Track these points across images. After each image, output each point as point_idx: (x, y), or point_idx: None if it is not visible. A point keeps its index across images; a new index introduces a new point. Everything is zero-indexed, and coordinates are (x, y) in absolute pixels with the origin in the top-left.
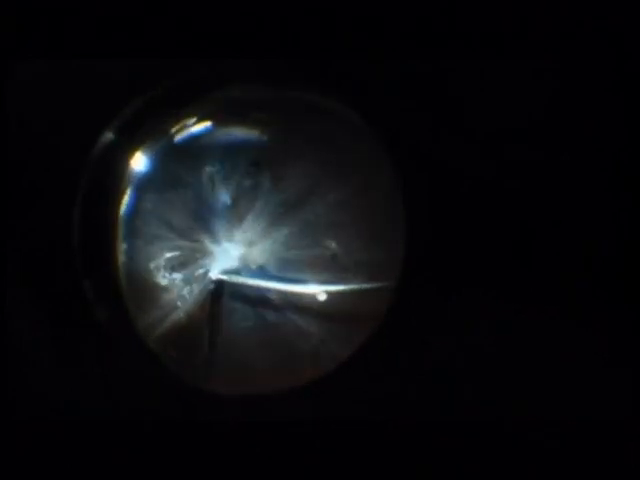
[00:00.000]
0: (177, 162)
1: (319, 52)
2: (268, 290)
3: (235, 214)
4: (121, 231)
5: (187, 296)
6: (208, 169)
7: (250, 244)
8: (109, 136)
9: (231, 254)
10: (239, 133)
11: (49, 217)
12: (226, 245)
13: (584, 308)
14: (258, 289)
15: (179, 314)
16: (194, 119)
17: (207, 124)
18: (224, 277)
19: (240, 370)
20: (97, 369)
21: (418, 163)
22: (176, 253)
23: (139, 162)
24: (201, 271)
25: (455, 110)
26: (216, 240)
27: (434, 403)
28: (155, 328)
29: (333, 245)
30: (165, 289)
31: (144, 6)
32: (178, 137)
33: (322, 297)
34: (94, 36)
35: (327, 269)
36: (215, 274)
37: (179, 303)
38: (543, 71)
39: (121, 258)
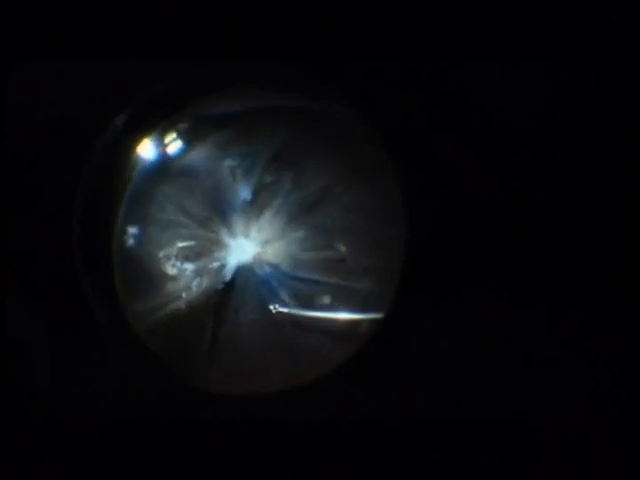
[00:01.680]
0: (196, 153)
1: (319, 52)
2: (279, 287)
3: (254, 210)
4: (128, 215)
5: (194, 288)
6: (228, 162)
7: (266, 242)
8: (119, 125)
9: (246, 250)
10: (259, 128)
11: (49, 217)
12: (242, 240)
13: (585, 309)
14: (269, 285)
15: (180, 305)
16: (213, 113)
17: (226, 118)
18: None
19: (241, 367)
20: (96, 369)
21: (418, 163)
22: (191, 242)
23: (148, 149)
24: (215, 264)
25: (455, 110)
26: (233, 234)
27: (434, 403)
28: (149, 316)
29: (343, 248)
30: (172, 278)
31: (144, 7)
32: (194, 133)
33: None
34: (94, 36)
35: (336, 271)
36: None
37: (184, 294)
38: (543, 71)
39: (129, 242)
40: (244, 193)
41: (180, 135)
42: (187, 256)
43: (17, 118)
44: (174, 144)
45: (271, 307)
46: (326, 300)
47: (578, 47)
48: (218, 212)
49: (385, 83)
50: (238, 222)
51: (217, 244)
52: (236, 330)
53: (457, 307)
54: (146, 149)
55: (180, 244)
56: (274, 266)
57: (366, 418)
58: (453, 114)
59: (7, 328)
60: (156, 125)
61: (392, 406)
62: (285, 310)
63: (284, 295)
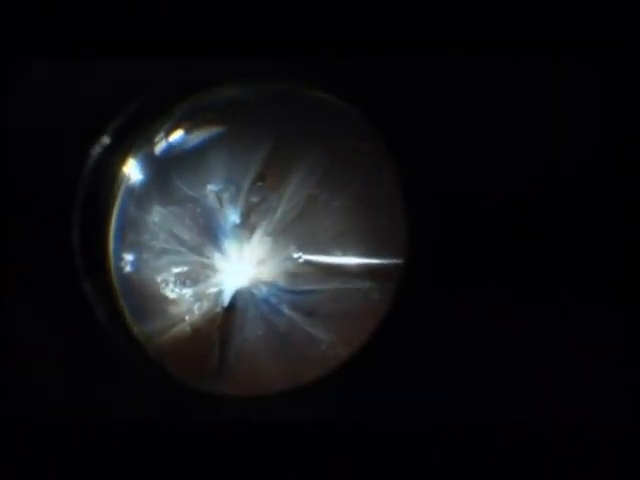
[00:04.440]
0: (181, 178)
1: (319, 52)
2: (280, 304)
3: (244, 232)
4: (123, 241)
5: (196, 311)
6: (212, 188)
7: (259, 262)
8: (108, 141)
9: (241, 273)
10: (240, 144)
11: (49, 217)
12: (236, 263)
13: (585, 309)
14: (269, 303)
15: (185, 327)
16: (190, 138)
17: (203, 133)
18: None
19: (252, 378)
20: (97, 369)
21: (418, 163)
22: (185, 268)
23: (136, 170)
24: (213, 290)
25: (456, 111)
26: (226, 258)
27: (435, 403)
28: (157, 338)
29: (338, 254)
30: (173, 302)
31: (143, 7)
32: (178, 151)
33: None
34: (94, 36)
35: (334, 277)
36: (230, 291)
37: (187, 317)
38: (543, 71)
39: (126, 268)
40: (232, 217)
41: (160, 161)
42: (184, 281)
43: (17, 118)
44: (156, 170)
45: (275, 322)
46: (329, 305)
47: (578, 48)
48: (210, 238)
49: (385, 83)
50: (230, 246)
51: (212, 269)
52: (244, 346)
53: (457, 307)
54: (131, 174)
55: (175, 270)
56: (271, 284)
57: (366, 418)
58: (454, 114)
59: (7, 328)
60: (137, 149)
61: (393, 406)
62: (290, 322)
63: (286, 310)
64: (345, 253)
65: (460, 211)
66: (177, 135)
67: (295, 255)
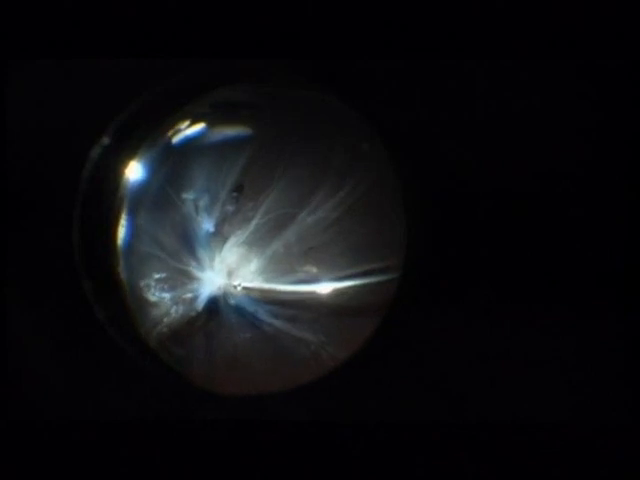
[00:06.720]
0: (167, 184)
1: (318, 52)
2: (256, 312)
3: (217, 242)
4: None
5: (173, 314)
6: (189, 195)
7: (230, 273)
8: (108, 141)
9: (214, 282)
10: (221, 152)
11: (49, 217)
12: (209, 273)
13: (585, 312)
14: (246, 310)
15: (163, 329)
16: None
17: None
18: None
19: (242, 375)
20: (97, 369)
21: (417, 164)
22: (164, 275)
23: (134, 173)
24: (188, 295)
25: (455, 111)
26: (201, 267)
27: (434, 403)
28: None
29: (314, 270)
30: (154, 305)
31: (143, 6)
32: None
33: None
34: (94, 36)
35: (310, 291)
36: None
37: (165, 319)
38: (543, 71)
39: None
40: (207, 225)
41: (154, 165)
42: (163, 287)
43: (17, 118)
44: (149, 174)
45: (259, 326)
46: (311, 311)
47: (579, 48)
48: (186, 245)
49: (385, 83)
50: (204, 255)
51: (188, 276)
52: (232, 348)
53: (456, 309)
54: (129, 176)
55: (156, 276)
56: (243, 296)
57: (366, 418)
58: (453, 115)
59: (7, 328)
60: (136, 150)
61: (392, 406)
62: (273, 327)
63: (265, 317)
64: (319, 267)
65: (459, 212)
66: (173, 137)
67: (235, 283)
